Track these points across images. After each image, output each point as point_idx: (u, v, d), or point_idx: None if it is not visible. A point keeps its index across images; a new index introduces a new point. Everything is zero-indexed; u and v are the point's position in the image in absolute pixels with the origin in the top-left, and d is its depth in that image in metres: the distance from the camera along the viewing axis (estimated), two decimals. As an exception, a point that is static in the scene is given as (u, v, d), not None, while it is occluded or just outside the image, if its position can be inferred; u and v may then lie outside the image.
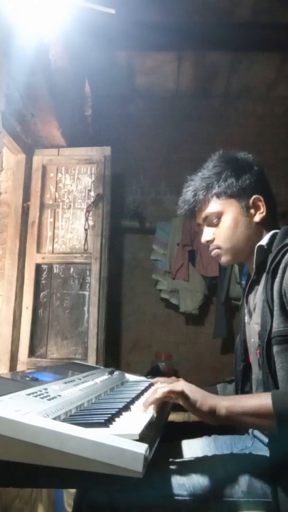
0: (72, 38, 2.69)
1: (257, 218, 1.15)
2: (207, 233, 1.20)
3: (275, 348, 0.97)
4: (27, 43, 1.97)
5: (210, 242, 1.20)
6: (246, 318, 1.23)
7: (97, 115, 3.89)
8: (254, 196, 1.15)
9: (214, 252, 1.20)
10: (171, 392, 0.95)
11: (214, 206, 1.17)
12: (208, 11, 3.07)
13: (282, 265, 1.00)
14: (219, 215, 1.17)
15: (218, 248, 1.18)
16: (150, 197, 4.06)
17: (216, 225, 1.18)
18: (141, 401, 1.15)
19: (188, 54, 3.60)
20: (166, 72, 3.83)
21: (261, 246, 1.11)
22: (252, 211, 1.16)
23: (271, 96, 4.12)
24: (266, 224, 1.16)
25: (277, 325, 0.98)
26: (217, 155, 1.23)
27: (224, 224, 1.16)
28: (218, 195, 1.17)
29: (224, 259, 1.19)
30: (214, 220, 1.18)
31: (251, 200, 1.15)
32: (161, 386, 0.98)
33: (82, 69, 3.38)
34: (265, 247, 1.10)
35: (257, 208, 1.16)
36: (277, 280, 0.99)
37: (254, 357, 1.18)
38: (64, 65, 2.71)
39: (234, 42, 3.32)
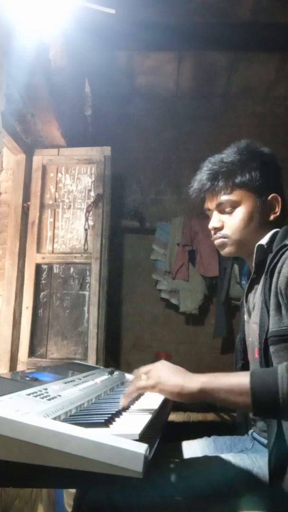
0: (72, 38, 2.69)
1: (271, 217, 1.14)
2: (216, 220, 1.17)
3: (271, 348, 0.97)
4: (27, 43, 1.97)
5: (217, 229, 1.17)
6: (245, 317, 1.23)
7: (97, 115, 3.89)
8: (272, 195, 1.14)
9: (220, 240, 1.18)
10: (140, 389, 0.95)
11: (232, 194, 1.15)
12: (208, 11, 3.07)
13: (279, 265, 0.99)
14: (234, 205, 1.15)
15: (225, 237, 1.16)
16: (150, 197, 4.06)
17: (228, 213, 1.16)
18: (142, 401, 1.16)
19: (188, 54, 3.59)
20: (166, 72, 3.83)
21: (261, 246, 1.10)
22: (268, 209, 1.15)
23: (271, 96, 4.12)
24: (276, 224, 1.15)
25: (272, 325, 0.97)
26: (243, 143, 1.20)
27: (237, 215, 1.14)
28: (239, 185, 1.14)
29: (227, 250, 1.18)
30: (228, 209, 1.15)
31: (269, 198, 1.14)
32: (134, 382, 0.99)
33: (82, 69, 3.38)
34: (265, 246, 1.09)
35: (272, 207, 1.15)
36: (274, 280, 0.99)
37: (252, 356, 1.18)
38: (64, 65, 2.71)
39: (234, 42, 3.31)
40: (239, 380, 0.87)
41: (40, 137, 2.67)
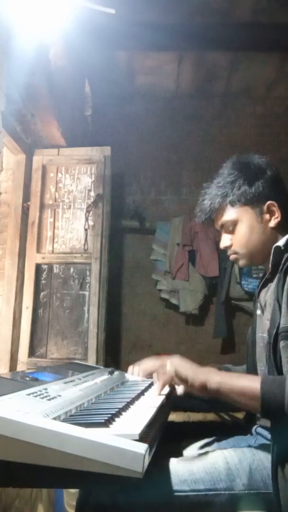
0: (72, 38, 2.69)
1: (272, 223, 1.19)
2: (225, 240, 1.25)
3: (281, 343, 1.00)
4: (27, 43, 1.97)
5: (228, 248, 1.25)
6: (258, 311, 1.27)
7: (97, 115, 3.89)
8: (268, 202, 1.19)
9: (232, 256, 1.26)
10: (165, 382, 1.09)
11: (229, 214, 1.22)
12: (208, 11, 3.07)
13: None
14: (234, 223, 1.22)
15: (236, 253, 1.24)
16: (150, 197, 4.06)
17: (232, 231, 1.23)
18: (141, 401, 1.16)
19: (188, 54, 3.59)
20: (166, 72, 3.83)
21: (278, 247, 1.14)
22: (267, 216, 1.19)
23: (271, 96, 4.12)
24: (282, 227, 1.19)
25: (284, 321, 1.01)
26: (231, 161, 1.27)
27: (239, 231, 1.21)
28: (232, 204, 1.21)
29: (241, 263, 1.25)
30: (230, 227, 1.23)
31: (265, 206, 1.19)
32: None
33: (82, 69, 3.38)
34: (282, 248, 1.13)
35: (272, 214, 1.19)
36: (287, 279, 1.03)
37: (260, 350, 1.21)
38: (64, 65, 2.71)
39: (234, 42, 3.31)
40: (251, 385, 0.95)
41: (40, 137, 2.67)
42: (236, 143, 3.95)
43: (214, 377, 1.00)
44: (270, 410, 0.92)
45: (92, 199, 2.68)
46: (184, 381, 1.04)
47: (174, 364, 1.08)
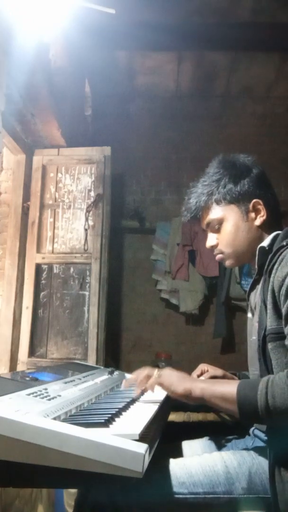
0: (72, 38, 2.69)
1: (258, 221, 1.17)
2: (211, 239, 1.23)
3: (269, 346, 1.00)
4: (27, 43, 1.97)
5: (214, 247, 1.23)
6: (249, 314, 1.26)
7: (97, 115, 3.89)
8: (253, 200, 1.17)
9: (218, 256, 1.23)
10: (158, 383, 1.07)
11: (215, 212, 1.20)
12: (208, 11, 3.07)
13: (276, 266, 1.02)
14: (220, 221, 1.20)
15: (221, 253, 1.22)
16: (150, 197, 4.06)
17: (218, 230, 1.21)
18: (141, 401, 1.16)
19: (188, 54, 3.59)
20: (166, 72, 3.83)
21: (262, 248, 1.13)
22: (253, 215, 1.17)
23: (271, 96, 4.11)
24: (268, 226, 1.17)
25: (270, 323, 1.00)
26: (217, 160, 1.25)
27: (225, 229, 1.19)
28: (218, 202, 1.20)
29: (228, 263, 1.23)
30: (216, 226, 1.21)
31: (250, 205, 1.17)
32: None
33: (82, 69, 3.38)
34: (267, 248, 1.12)
35: (257, 212, 1.17)
36: (271, 280, 1.02)
37: (252, 354, 1.20)
38: (64, 65, 2.71)
39: (234, 42, 3.31)
40: (229, 390, 0.95)
41: (40, 137, 2.67)
42: (236, 143, 3.95)
43: (198, 384, 1.01)
44: (246, 413, 0.91)
45: (92, 199, 2.68)
46: (166, 387, 1.05)
47: (161, 373, 1.08)
